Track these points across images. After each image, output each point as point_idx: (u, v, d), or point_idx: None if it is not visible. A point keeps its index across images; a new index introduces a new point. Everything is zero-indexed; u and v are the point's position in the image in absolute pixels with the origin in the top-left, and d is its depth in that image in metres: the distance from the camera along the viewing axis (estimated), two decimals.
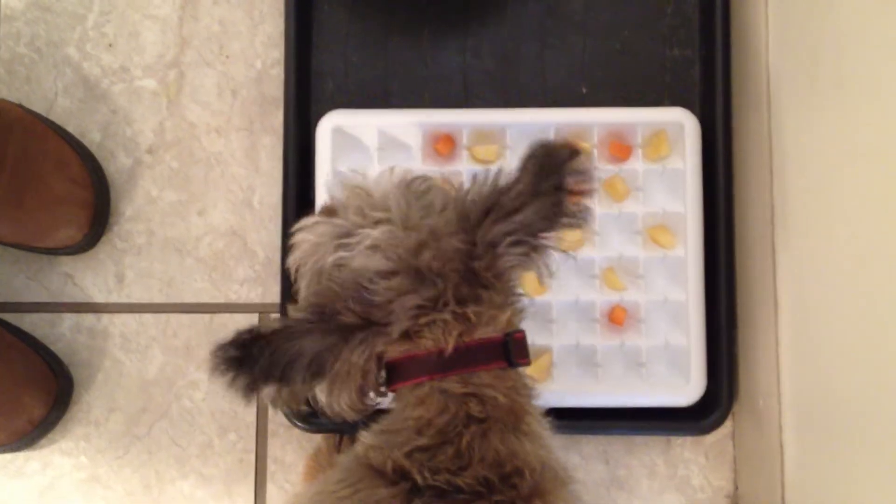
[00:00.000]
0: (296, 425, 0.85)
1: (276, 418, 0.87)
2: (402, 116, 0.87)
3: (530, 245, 0.57)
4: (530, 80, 0.90)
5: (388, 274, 0.55)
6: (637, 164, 0.85)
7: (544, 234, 0.58)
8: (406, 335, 0.56)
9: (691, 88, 0.90)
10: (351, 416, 0.58)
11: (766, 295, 0.79)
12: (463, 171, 0.85)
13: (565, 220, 0.58)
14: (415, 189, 0.59)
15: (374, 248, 0.56)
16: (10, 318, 0.88)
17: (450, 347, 0.55)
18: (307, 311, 0.55)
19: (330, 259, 0.58)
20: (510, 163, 0.85)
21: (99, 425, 0.89)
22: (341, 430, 0.84)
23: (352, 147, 0.86)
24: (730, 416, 0.86)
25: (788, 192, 0.75)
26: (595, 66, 0.90)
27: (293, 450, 0.88)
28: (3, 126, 0.84)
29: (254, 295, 0.89)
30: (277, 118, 0.90)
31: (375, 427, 0.57)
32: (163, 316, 0.89)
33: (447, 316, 0.55)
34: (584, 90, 0.90)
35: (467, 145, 0.86)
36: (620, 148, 0.86)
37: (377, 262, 0.56)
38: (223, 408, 0.88)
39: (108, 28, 0.92)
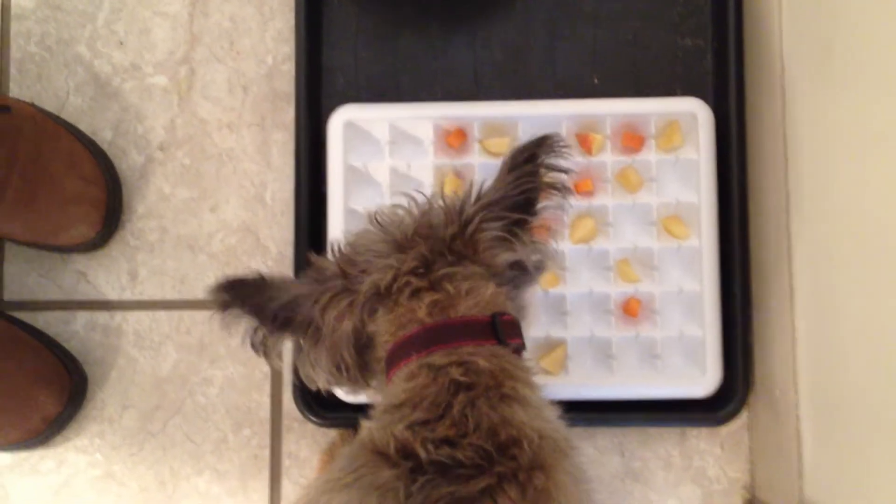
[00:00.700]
0: (310, 420, 0.85)
1: (291, 413, 0.87)
2: (414, 110, 0.86)
3: (508, 219, 0.59)
4: (541, 72, 0.90)
5: (377, 242, 0.59)
6: (650, 155, 0.85)
7: (524, 210, 0.60)
8: (385, 303, 0.58)
9: (704, 78, 0.89)
10: (322, 383, 0.61)
11: (781, 284, 0.78)
12: (475, 164, 0.85)
13: (540, 192, 0.60)
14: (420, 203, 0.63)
15: (375, 221, 0.61)
16: (24, 316, 0.89)
17: (423, 313, 0.57)
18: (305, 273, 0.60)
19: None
20: None
21: (113, 422, 0.89)
22: (355, 425, 0.83)
23: (363, 141, 0.86)
24: (745, 407, 0.85)
25: (804, 180, 0.75)
26: (606, 57, 0.90)
27: (308, 445, 0.88)
28: (15, 125, 0.84)
29: None
30: (288, 114, 0.90)
31: (374, 411, 0.58)
32: (176, 313, 0.90)
33: (422, 282, 0.57)
34: (596, 81, 0.90)
35: (479, 138, 0.85)
36: (633, 139, 0.85)
37: (372, 237, 0.60)
38: (237, 403, 0.88)
39: (118, 26, 0.92)
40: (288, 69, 0.91)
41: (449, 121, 0.86)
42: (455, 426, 0.54)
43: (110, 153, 0.90)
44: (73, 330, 0.90)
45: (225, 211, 0.90)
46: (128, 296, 0.90)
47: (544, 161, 0.60)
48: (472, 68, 0.90)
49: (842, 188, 0.68)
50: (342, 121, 0.85)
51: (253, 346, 0.59)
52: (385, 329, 0.58)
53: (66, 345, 0.89)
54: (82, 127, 0.90)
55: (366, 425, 0.57)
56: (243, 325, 0.58)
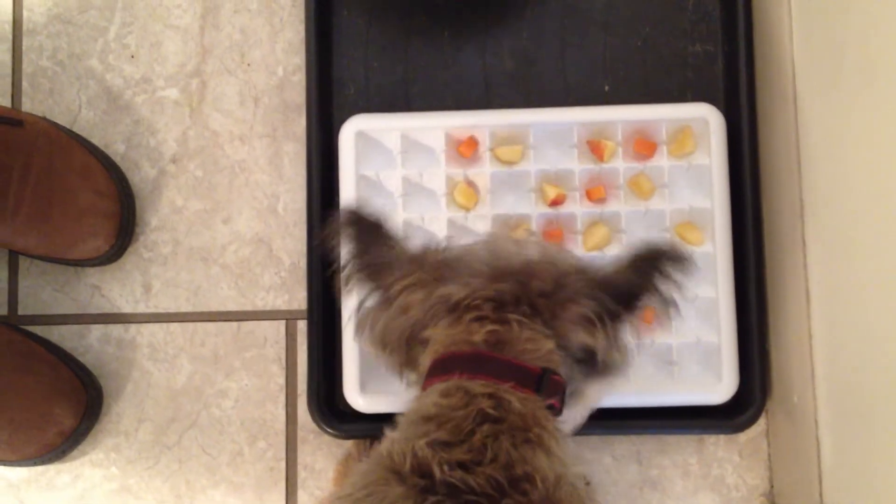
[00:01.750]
0: (325, 432, 0.85)
1: (307, 425, 0.87)
2: (425, 119, 0.87)
3: (605, 306, 0.59)
4: (552, 80, 0.90)
5: (475, 263, 0.61)
6: (662, 161, 0.85)
7: (625, 303, 0.60)
8: (450, 311, 0.59)
9: (714, 84, 0.89)
10: (367, 346, 0.64)
11: (797, 289, 0.78)
12: (487, 172, 0.85)
13: (648, 295, 0.60)
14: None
15: (488, 245, 0.63)
16: (39, 330, 0.89)
17: (479, 338, 0.58)
18: (411, 250, 0.63)
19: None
20: (534, 164, 0.85)
21: (129, 436, 0.89)
22: (371, 436, 0.83)
23: (375, 151, 0.86)
24: (763, 413, 0.85)
25: (818, 184, 0.75)
26: (617, 64, 0.90)
27: (323, 456, 0.87)
28: (28, 139, 0.84)
29: (280, 301, 0.89)
30: (300, 124, 0.90)
31: (401, 419, 0.59)
32: (190, 325, 0.90)
33: (489, 307, 0.58)
34: (607, 88, 0.90)
35: (490, 147, 0.85)
36: (645, 145, 0.85)
37: (479, 250, 0.63)
38: (253, 416, 0.88)
39: (129, 39, 0.92)
40: (299, 80, 0.91)
41: (460, 130, 0.86)
42: (472, 452, 0.54)
43: (123, 166, 0.91)
44: (87, 343, 0.90)
45: (238, 222, 0.91)
46: (142, 308, 0.90)
47: (664, 268, 0.60)
48: (482, 77, 0.91)
49: (856, 192, 0.67)
50: (353, 131, 0.85)
51: (341, 273, 0.63)
52: (440, 339, 0.59)
53: (80, 358, 0.89)
54: (95, 140, 0.91)
55: (389, 436, 0.58)
56: (341, 251, 0.62)
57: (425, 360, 0.61)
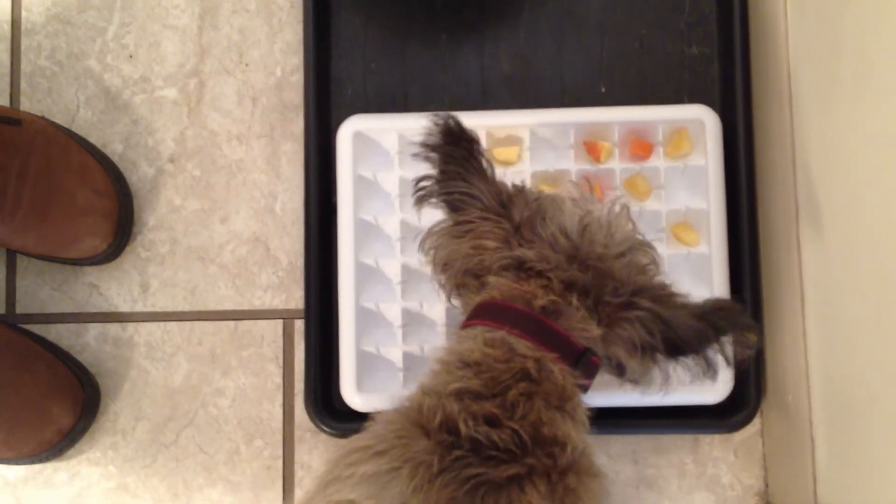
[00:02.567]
0: (322, 430, 0.85)
1: (303, 424, 0.87)
2: (422, 120, 0.86)
3: (652, 345, 0.58)
4: (549, 81, 0.91)
5: (560, 235, 0.60)
6: (658, 162, 0.85)
7: (673, 348, 0.58)
8: (518, 267, 0.59)
9: (711, 85, 0.90)
10: (427, 258, 0.64)
11: (792, 290, 0.78)
12: None
13: (700, 352, 0.58)
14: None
15: (580, 219, 0.61)
16: (37, 328, 0.89)
17: (538, 303, 0.58)
18: (500, 189, 0.61)
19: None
20: (530, 165, 0.85)
21: (126, 434, 0.89)
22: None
23: (372, 151, 0.86)
24: (758, 413, 0.85)
25: (813, 186, 0.75)
26: (613, 66, 0.90)
27: (320, 455, 0.88)
28: (26, 139, 0.84)
29: (277, 301, 0.90)
30: (298, 124, 0.91)
31: (437, 361, 0.59)
32: (187, 324, 0.90)
33: (556, 283, 0.58)
34: (604, 89, 0.90)
35: (488, 147, 0.86)
36: (641, 146, 0.85)
37: (568, 221, 0.60)
38: (249, 414, 0.89)
39: (128, 39, 0.93)
40: (297, 80, 0.92)
41: None
42: (503, 408, 0.55)
43: (121, 166, 0.91)
44: (85, 342, 0.90)
45: (235, 222, 0.91)
46: (139, 307, 0.90)
47: (724, 341, 0.58)
48: (479, 78, 0.91)
49: (851, 193, 0.68)
50: (351, 131, 0.85)
51: (415, 189, 0.62)
52: (500, 287, 0.60)
53: (78, 357, 0.89)
54: (93, 140, 0.91)
55: (421, 385, 0.58)
56: (427, 167, 0.61)
57: (477, 297, 0.61)
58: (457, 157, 0.61)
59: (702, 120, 0.84)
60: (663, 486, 0.87)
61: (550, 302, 0.58)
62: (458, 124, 0.61)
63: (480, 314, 0.60)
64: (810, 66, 0.76)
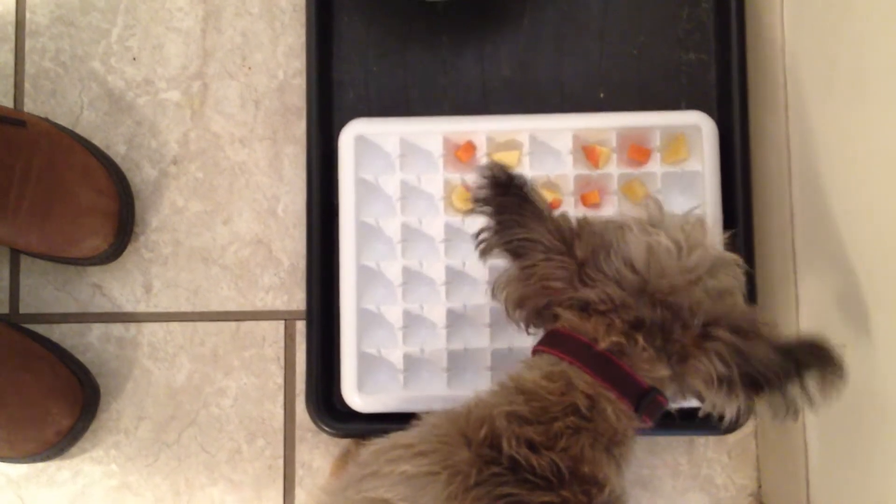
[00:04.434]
0: (323, 430, 0.86)
1: (304, 424, 0.89)
2: (423, 125, 0.88)
3: (736, 373, 0.56)
4: (548, 87, 0.92)
5: (626, 268, 0.58)
6: (656, 168, 0.86)
7: (753, 384, 0.56)
8: (582, 308, 0.58)
9: (708, 92, 0.91)
10: (500, 302, 0.63)
11: (786, 295, 0.79)
12: None
13: (786, 387, 0.55)
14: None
15: (647, 248, 0.59)
16: (40, 328, 0.90)
17: (603, 343, 0.57)
18: (561, 226, 0.60)
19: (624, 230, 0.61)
20: (530, 169, 0.86)
21: (129, 433, 0.90)
22: (366, 436, 0.85)
23: (374, 155, 0.87)
24: (752, 415, 0.86)
25: (808, 192, 0.76)
26: (612, 72, 0.92)
27: (321, 454, 0.89)
28: (29, 139, 0.85)
29: (279, 302, 0.91)
30: (300, 128, 0.91)
31: (498, 383, 0.60)
32: (190, 324, 0.91)
33: (621, 323, 0.57)
34: (602, 95, 0.91)
35: (488, 152, 0.87)
36: (639, 151, 0.87)
37: (634, 252, 0.59)
38: (251, 414, 0.90)
39: (132, 41, 0.93)
40: (299, 84, 0.92)
41: (458, 134, 0.87)
42: (546, 436, 0.55)
43: (124, 167, 0.92)
44: (88, 342, 0.91)
45: (238, 224, 0.92)
46: (142, 308, 0.91)
47: (806, 379, 0.55)
48: (480, 83, 0.92)
49: (847, 200, 0.69)
50: (353, 135, 0.86)
51: (477, 243, 0.62)
52: (569, 320, 0.59)
53: (81, 357, 0.90)
54: (96, 141, 0.92)
55: (477, 395, 0.59)
56: (483, 220, 0.61)
57: (550, 327, 0.61)
58: (510, 205, 0.60)
59: (699, 126, 0.85)
60: (658, 487, 0.88)
61: (612, 344, 0.57)
62: (505, 172, 0.61)
63: (548, 342, 0.60)
64: (806, 74, 0.77)
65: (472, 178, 0.80)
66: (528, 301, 0.62)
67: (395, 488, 0.53)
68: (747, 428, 0.87)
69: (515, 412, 0.55)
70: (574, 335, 0.59)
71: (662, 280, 0.58)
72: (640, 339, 0.57)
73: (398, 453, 0.55)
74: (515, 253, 0.61)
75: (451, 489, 0.52)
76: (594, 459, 0.55)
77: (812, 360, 0.55)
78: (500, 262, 0.64)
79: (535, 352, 0.62)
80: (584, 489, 0.54)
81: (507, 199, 0.61)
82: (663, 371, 0.58)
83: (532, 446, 0.54)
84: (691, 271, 0.59)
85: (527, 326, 0.64)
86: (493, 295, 0.64)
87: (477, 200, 0.61)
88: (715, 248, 0.62)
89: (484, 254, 0.62)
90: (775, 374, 0.55)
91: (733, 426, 0.84)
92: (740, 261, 0.62)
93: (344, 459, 0.86)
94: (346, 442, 0.88)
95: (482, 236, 0.62)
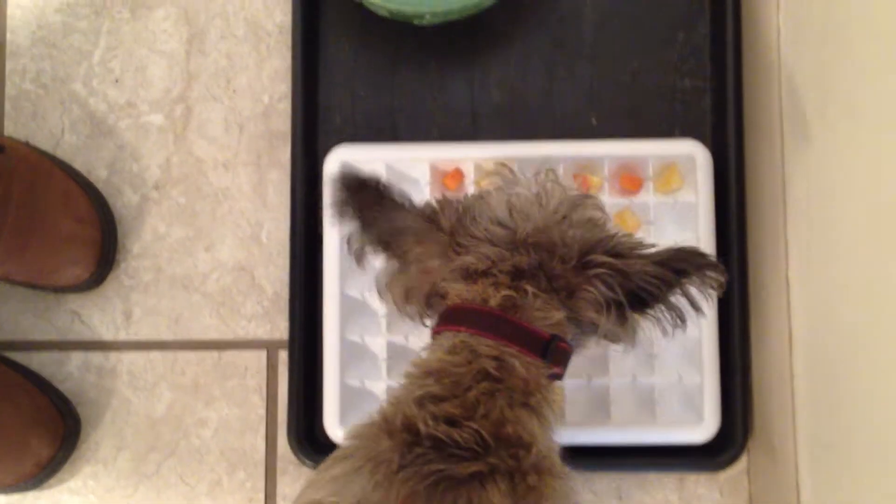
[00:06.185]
0: (304, 463, 0.84)
1: (286, 456, 0.87)
2: (410, 151, 0.86)
3: (621, 293, 0.58)
4: (539, 113, 0.90)
5: (495, 225, 0.59)
6: (648, 197, 0.84)
7: (637, 300, 0.58)
8: (466, 276, 0.59)
9: (702, 119, 0.89)
10: (390, 304, 0.64)
11: (780, 329, 0.78)
12: None
13: (662, 301, 0.58)
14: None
15: (508, 202, 0.61)
16: (18, 356, 0.88)
17: (494, 302, 0.58)
18: (423, 209, 0.62)
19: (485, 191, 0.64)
20: None
21: (107, 464, 0.88)
22: None
23: None
24: (745, 451, 0.84)
25: (803, 224, 0.74)
26: (604, 98, 0.90)
27: (302, 487, 0.87)
28: (9, 165, 0.83)
29: (262, 331, 0.89)
30: (285, 153, 0.90)
31: (407, 373, 0.60)
32: (170, 353, 0.89)
33: (506, 277, 0.58)
34: (594, 122, 0.89)
35: (476, 179, 0.85)
36: (631, 180, 0.85)
37: (497, 209, 0.60)
38: (232, 445, 0.88)
39: (114, 63, 0.92)
40: (284, 108, 0.91)
41: (446, 161, 0.85)
42: (463, 407, 0.55)
43: (105, 192, 0.90)
44: (67, 371, 0.89)
45: (220, 250, 0.90)
46: (122, 336, 0.89)
47: (687, 285, 0.58)
48: (469, 107, 0.90)
49: (842, 233, 0.67)
50: (339, 160, 0.84)
51: (349, 248, 0.62)
52: (457, 292, 0.60)
53: (60, 386, 0.88)
54: (77, 165, 0.90)
55: (390, 393, 0.59)
56: (348, 226, 0.61)
57: (442, 308, 0.61)
58: (368, 201, 0.61)
59: (692, 155, 0.83)
60: None
61: (504, 298, 0.58)
62: (353, 172, 0.62)
63: (443, 321, 0.61)
64: (802, 102, 0.75)
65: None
66: (413, 291, 0.63)
67: (325, 487, 0.54)
68: (740, 465, 0.85)
69: (429, 393, 0.56)
70: (464, 305, 0.59)
71: (529, 224, 0.59)
72: (528, 287, 0.58)
73: (328, 462, 0.57)
74: (386, 246, 0.62)
75: (377, 478, 0.53)
76: (515, 418, 0.56)
77: (689, 266, 0.58)
78: None
79: (434, 334, 0.62)
80: (512, 453, 0.54)
81: (363, 196, 0.61)
82: (558, 314, 0.59)
83: (452, 421, 0.54)
84: (555, 212, 0.60)
85: (421, 318, 0.65)
86: (380, 297, 0.65)
87: (335, 204, 0.61)
88: (572, 190, 0.63)
89: (359, 259, 0.63)
90: (657, 287, 0.57)
91: (725, 462, 0.82)
92: (598, 198, 0.64)
93: None
94: None
95: (350, 241, 0.63)
